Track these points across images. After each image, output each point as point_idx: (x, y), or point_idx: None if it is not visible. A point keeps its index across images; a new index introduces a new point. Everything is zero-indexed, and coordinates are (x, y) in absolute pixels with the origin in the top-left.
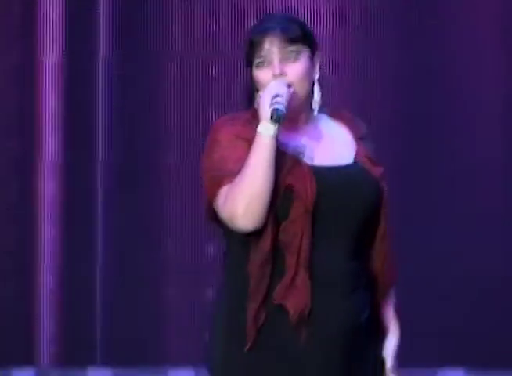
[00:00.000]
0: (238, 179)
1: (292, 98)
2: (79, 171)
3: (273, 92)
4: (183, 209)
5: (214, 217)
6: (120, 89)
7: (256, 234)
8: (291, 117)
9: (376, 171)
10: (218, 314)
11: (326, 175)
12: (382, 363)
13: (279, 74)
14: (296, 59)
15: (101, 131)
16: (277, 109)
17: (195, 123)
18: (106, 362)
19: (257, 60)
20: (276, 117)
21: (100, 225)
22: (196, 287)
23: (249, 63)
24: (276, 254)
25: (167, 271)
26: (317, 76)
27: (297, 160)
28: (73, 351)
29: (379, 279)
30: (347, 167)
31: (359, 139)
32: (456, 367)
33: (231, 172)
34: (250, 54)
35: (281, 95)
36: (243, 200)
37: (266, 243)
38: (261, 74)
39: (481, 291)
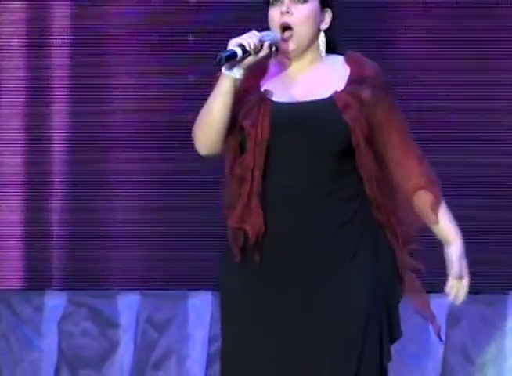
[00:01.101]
0: (202, 110)
1: (284, 44)
2: None
3: (241, 38)
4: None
5: None
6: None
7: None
8: (289, 58)
9: (342, 103)
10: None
11: (286, 112)
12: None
13: (286, 12)
14: (304, 3)
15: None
16: (225, 52)
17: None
18: (62, 287)
19: None
20: (219, 58)
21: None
22: (145, 217)
23: (266, 4)
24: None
25: (116, 205)
26: (324, 27)
27: (259, 101)
28: (32, 277)
29: (371, 198)
30: (313, 102)
31: (358, 80)
32: None
33: None
34: None
35: (248, 43)
36: (199, 127)
37: (233, 172)
38: (272, 12)
39: None
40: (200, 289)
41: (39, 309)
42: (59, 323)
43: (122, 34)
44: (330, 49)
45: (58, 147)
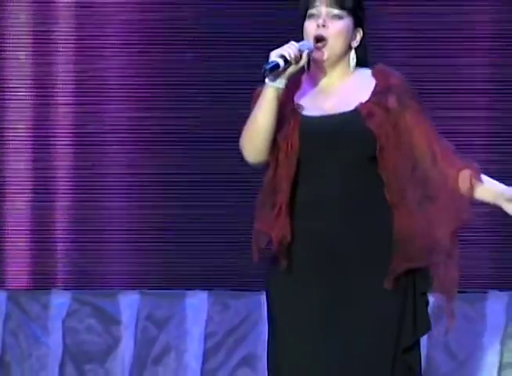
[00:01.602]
0: (248, 120)
1: (317, 53)
2: None
3: (281, 49)
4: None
5: None
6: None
7: None
8: (321, 71)
9: (365, 112)
10: None
11: (315, 125)
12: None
13: (322, 25)
14: (339, 19)
15: None
16: (269, 63)
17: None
18: (67, 287)
19: (308, 13)
20: (264, 70)
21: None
22: (141, 222)
23: (303, 17)
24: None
25: (117, 212)
26: (355, 44)
27: (291, 115)
28: (39, 277)
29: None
30: (341, 114)
31: (384, 90)
32: None
33: None
34: (303, 8)
35: (288, 53)
36: (246, 136)
37: (270, 182)
38: (308, 24)
39: None
40: (197, 289)
41: (46, 307)
42: (64, 321)
43: (124, 43)
44: (360, 66)
45: (63, 150)
